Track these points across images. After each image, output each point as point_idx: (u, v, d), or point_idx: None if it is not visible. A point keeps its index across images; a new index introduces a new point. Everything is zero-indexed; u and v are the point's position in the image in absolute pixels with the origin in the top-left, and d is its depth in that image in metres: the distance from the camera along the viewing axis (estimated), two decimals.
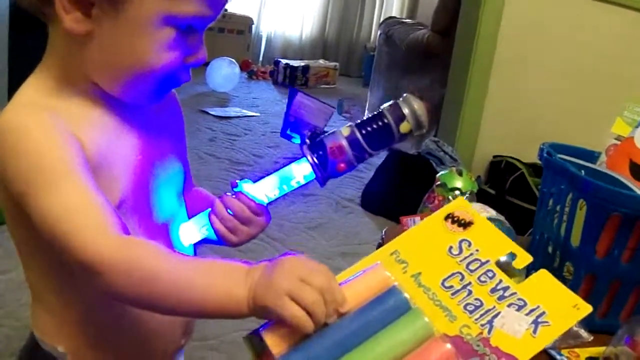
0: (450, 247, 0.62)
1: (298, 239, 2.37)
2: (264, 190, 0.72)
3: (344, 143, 0.68)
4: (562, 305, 0.56)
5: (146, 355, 0.75)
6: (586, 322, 0.78)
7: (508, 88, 2.66)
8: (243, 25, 5.56)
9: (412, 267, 0.61)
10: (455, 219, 0.64)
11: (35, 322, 0.72)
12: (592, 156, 0.94)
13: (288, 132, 0.72)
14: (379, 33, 4.00)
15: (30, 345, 0.72)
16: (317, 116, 0.72)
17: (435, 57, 3.16)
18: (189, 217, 0.78)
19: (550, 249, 0.88)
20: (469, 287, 0.58)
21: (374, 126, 0.68)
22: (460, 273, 0.59)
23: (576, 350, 0.74)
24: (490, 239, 0.62)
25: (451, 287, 0.59)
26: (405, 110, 0.68)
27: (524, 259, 0.61)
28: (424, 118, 0.68)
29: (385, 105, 0.70)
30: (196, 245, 0.78)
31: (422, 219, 0.94)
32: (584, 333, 0.76)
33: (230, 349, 1.64)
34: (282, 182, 0.71)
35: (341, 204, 2.80)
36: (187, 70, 0.68)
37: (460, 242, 0.62)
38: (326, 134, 0.70)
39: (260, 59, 6.01)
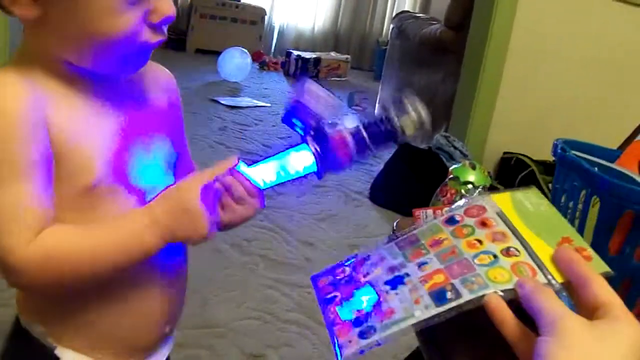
0: None
1: (307, 230, 2.38)
2: (261, 173, 0.70)
3: (349, 138, 0.67)
4: None
5: (128, 342, 0.74)
6: None
7: (520, 85, 2.65)
8: (256, 16, 5.56)
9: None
10: None
11: (20, 305, 0.73)
12: (607, 153, 0.93)
13: (293, 120, 0.70)
14: (391, 27, 3.99)
15: (15, 329, 0.73)
16: (324, 107, 0.71)
17: (448, 52, 3.15)
18: None
19: None
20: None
21: (380, 127, 0.68)
22: None
23: None
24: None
25: None
26: (412, 114, 0.68)
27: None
28: (428, 123, 0.69)
29: (392, 108, 0.70)
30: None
31: (434, 212, 0.95)
32: None
33: (238, 336, 1.64)
34: (280, 169, 0.70)
35: (350, 197, 2.80)
36: (156, 30, 0.65)
37: None
38: (330, 125, 0.69)
39: (272, 50, 6.01)
